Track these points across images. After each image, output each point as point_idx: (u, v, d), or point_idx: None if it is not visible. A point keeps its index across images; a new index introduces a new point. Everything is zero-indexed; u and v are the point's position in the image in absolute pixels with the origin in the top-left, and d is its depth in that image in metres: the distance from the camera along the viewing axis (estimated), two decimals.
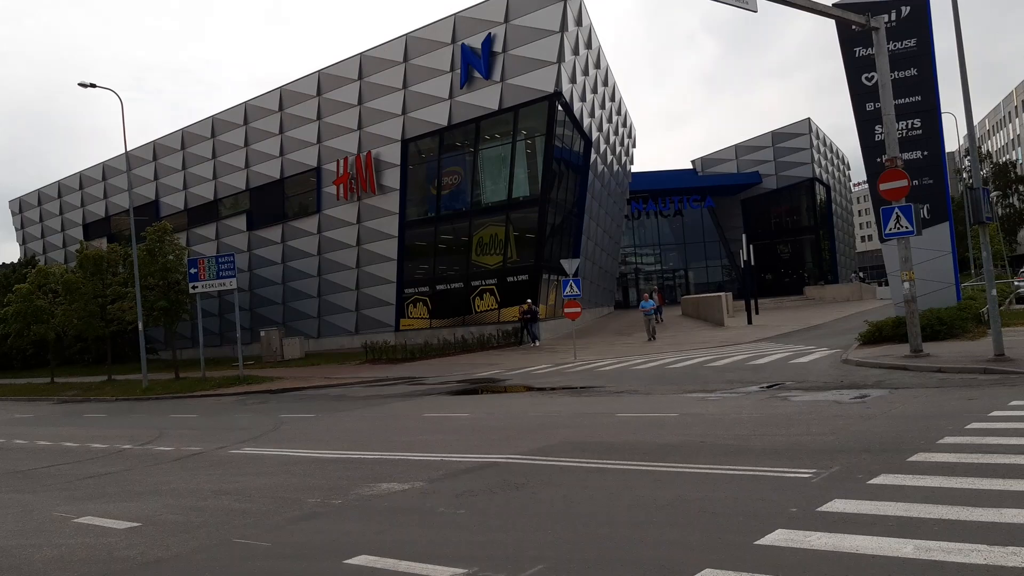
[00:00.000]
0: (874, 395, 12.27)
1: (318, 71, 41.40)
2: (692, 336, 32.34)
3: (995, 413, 9.52)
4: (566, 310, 26.05)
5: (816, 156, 64.70)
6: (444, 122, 36.91)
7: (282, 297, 45.30)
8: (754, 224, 67.97)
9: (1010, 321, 23.30)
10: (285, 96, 43.04)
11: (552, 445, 10.11)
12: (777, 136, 64.97)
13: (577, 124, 38.93)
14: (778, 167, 64.85)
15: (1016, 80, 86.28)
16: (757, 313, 46.19)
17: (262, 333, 40.94)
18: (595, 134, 42.23)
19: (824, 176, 67.01)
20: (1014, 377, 12.65)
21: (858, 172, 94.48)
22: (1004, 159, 79.64)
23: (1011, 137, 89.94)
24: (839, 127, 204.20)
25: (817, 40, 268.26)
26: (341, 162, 40.35)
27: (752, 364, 18.99)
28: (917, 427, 9.15)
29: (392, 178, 38.88)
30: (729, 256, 68.63)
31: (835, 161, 72.54)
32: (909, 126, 24.11)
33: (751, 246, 44.26)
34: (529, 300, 33.50)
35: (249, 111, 44.99)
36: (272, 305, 45.86)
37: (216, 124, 46.87)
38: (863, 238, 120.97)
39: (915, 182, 23.41)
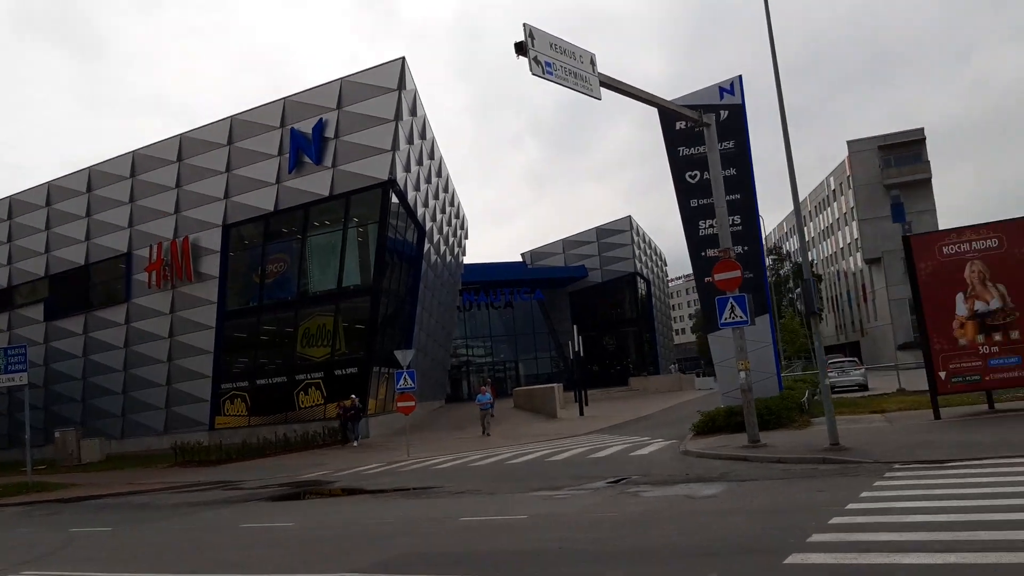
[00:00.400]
0: (724, 489, 11.94)
1: (132, 151, 38.83)
2: (527, 429, 31.81)
3: (852, 506, 9.30)
4: (399, 404, 24.82)
5: (637, 252, 67.70)
6: (270, 207, 35.34)
7: (82, 394, 40.98)
8: (581, 316, 69.58)
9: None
10: (94, 177, 39.96)
11: (393, 559, 8.92)
12: (601, 232, 67.59)
13: (411, 213, 38.44)
14: (603, 261, 67.25)
15: (808, 187, 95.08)
16: (587, 404, 46.72)
17: (56, 434, 36.61)
18: (428, 224, 41.92)
19: (644, 271, 70.08)
20: (852, 467, 12.74)
21: (673, 268, 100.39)
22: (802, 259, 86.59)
23: (808, 238, 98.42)
24: (652, 226, 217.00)
25: (632, 147, 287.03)
26: (155, 247, 37.58)
27: (593, 457, 18.50)
28: (780, 524, 8.73)
29: (211, 265, 36.54)
30: (558, 348, 69.66)
31: (653, 257, 76.25)
32: (731, 222, 25.27)
33: (580, 338, 44.98)
34: (353, 396, 31.79)
35: (52, 192, 41.39)
36: (70, 402, 41.35)
37: (13, 205, 42.72)
38: (677, 331, 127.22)
39: None
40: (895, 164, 71.88)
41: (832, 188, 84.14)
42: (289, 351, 35.94)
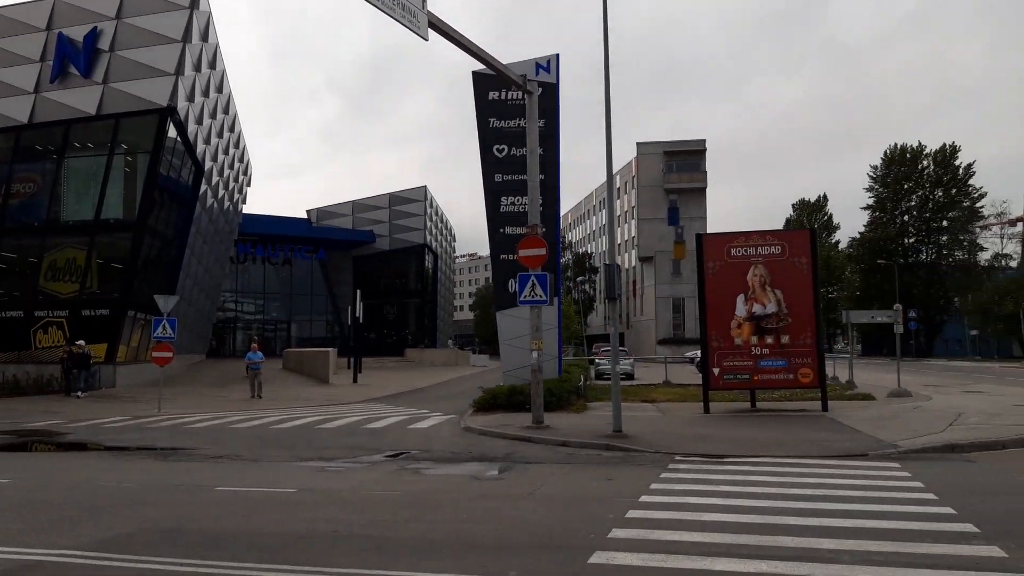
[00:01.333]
0: (511, 471, 11.31)
1: None
2: (297, 392, 30.06)
3: (645, 499, 8.93)
4: (154, 354, 22.30)
5: (429, 224, 66.89)
6: (24, 119, 30.88)
7: None
8: (363, 282, 67.70)
9: (598, 396, 24.70)
10: None
11: (129, 534, 7.39)
12: (394, 199, 66.06)
13: (190, 148, 35.11)
14: (392, 229, 65.76)
15: (595, 183, 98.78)
16: (360, 372, 45.37)
17: None
18: (208, 163, 38.56)
19: (434, 244, 69.46)
20: (636, 455, 12.59)
21: (462, 245, 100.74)
22: (582, 250, 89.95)
23: (587, 232, 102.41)
24: (443, 202, 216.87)
25: (432, 120, 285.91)
26: None
27: (369, 427, 17.40)
28: (576, 515, 8.15)
29: None
30: (335, 312, 67.45)
31: (444, 231, 75.83)
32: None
33: (362, 303, 43.47)
34: (81, 341, 28.34)
35: None
36: None
37: None
38: (458, 308, 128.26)
39: None
40: (676, 170, 76.16)
41: (617, 186, 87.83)
42: (30, 283, 31.65)
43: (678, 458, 12.15)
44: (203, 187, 38.44)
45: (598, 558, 6.39)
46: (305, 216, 67.24)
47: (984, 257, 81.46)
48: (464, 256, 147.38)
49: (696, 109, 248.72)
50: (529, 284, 15.68)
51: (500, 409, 19.71)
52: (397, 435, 15.96)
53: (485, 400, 20.24)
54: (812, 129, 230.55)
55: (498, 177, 23.96)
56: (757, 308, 18.54)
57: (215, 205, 42.89)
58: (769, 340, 18.49)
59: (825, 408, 18.42)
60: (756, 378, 18.61)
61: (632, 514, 8.07)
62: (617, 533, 7.23)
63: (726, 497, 8.96)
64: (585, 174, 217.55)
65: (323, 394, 29.59)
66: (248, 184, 52.76)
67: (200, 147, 36.70)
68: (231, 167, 45.00)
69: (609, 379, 37.65)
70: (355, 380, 35.84)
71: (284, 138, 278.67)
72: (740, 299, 18.60)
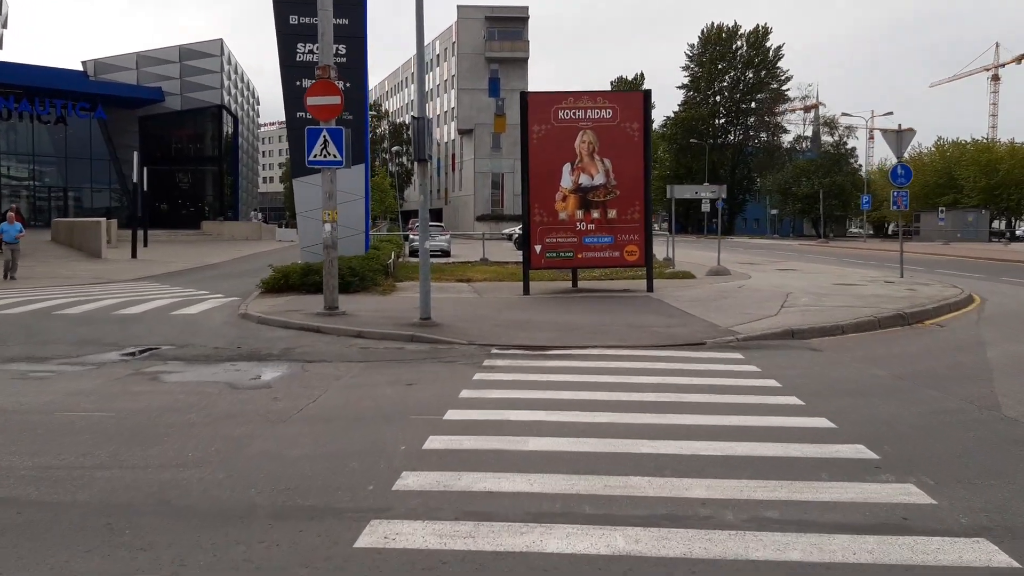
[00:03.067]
0: (283, 373, 8.87)
1: None
2: (59, 269, 25.67)
3: (452, 416, 6.80)
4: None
5: (227, 83, 60.29)
6: None
7: None
8: (152, 146, 60.66)
9: (410, 275, 22.54)
10: None
11: None
12: (185, 52, 58.62)
13: None
14: (184, 87, 58.62)
15: (410, 51, 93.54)
16: (146, 246, 40.57)
17: None
18: None
19: (233, 106, 63.04)
20: (443, 349, 10.47)
21: (269, 114, 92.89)
22: (399, 120, 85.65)
23: (405, 102, 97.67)
24: (249, 67, 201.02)
25: None
26: None
27: (124, 314, 14.23)
28: (356, 447, 5.90)
29: None
30: (120, 179, 60.29)
31: (245, 93, 69.05)
32: (336, 52, 21.62)
33: (145, 169, 38.26)
34: None
35: None
36: None
37: None
38: (265, 179, 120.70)
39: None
40: (498, 38, 72.82)
41: (436, 53, 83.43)
42: None
43: (495, 351, 10.16)
44: None
45: (371, 534, 4.16)
46: (81, 68, 58.50)
47: (787, 139, 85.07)
48: (274, 124, 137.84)
49: None
50: (320, 141, 12.81)
51: (292, 291, 17.04)
52: (152, 323, 12.99)
53: (275, 280, 17.43)
54: (637, 5, 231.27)
55: (293, 19, 20.45)
56: (584, 179, 16.65)
57: None
58: (595, 215, 16.73)
59: (651, 288, 17.09)
60: (580, 255, 16.92)
61: (432, 443, 5.91)
62: (408, 480, 5.04)
63: (555, 409, 6.98)
64: (404, 44, 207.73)
65: (91, 271, 25.44)
66: (3, 25, 44.46)
67: None
68: None
69: None
70: (134, 255, 31.50)
71: None
72: (566, 169, 16.61)
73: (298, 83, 20.37)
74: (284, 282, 17.31)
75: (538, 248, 16.83)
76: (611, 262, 17.29)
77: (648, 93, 17.94)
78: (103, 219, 32.19)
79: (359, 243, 21.62)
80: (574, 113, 16.52)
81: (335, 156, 12.84)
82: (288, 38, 20.38)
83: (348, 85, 21.78)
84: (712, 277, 21.50)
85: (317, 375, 8.77)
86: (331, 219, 13.26)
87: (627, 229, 16.80)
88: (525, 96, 17.05)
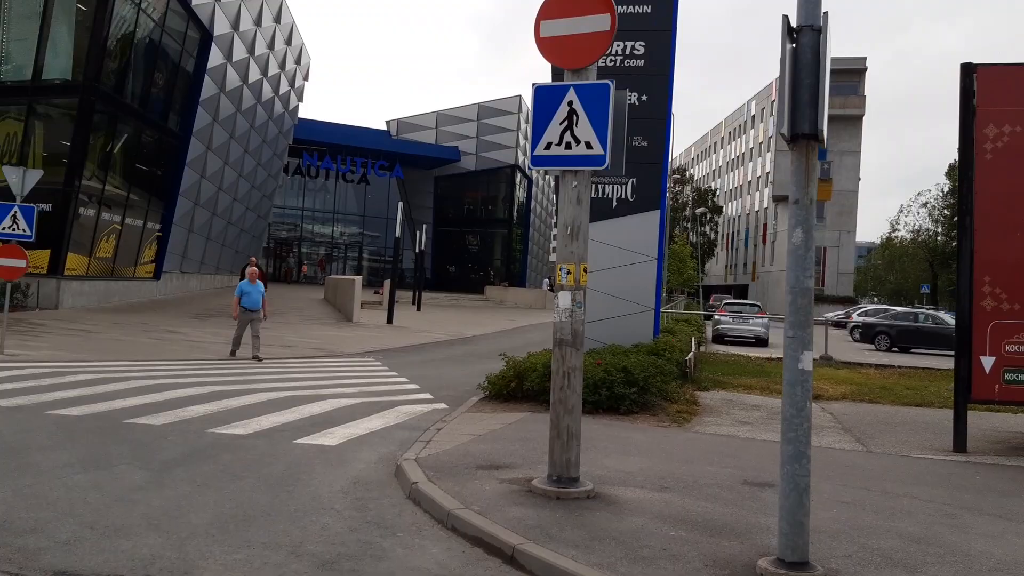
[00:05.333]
0: None
1: None
2: (287, 334, 21.37)
3: None
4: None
5: (523, 142, 56.95)
6: None
7: None
8: (445, 206, 59.07)
9: (719, 379, 15.00)
10: None
11: None
12: (483, 110, 56.24)
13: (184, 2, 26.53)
14: (479, 146, 56.15)
15: (725, 112, 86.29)
16: (419, 310, 36.81)
17: None
18: (221, 28, 29.86)
19: (527, 166, 59.56)
20: None
21: None
22: (704, 187, 78.33)
23: (713, 167, 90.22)
24: None
25: None
26: None
27: (220, 434, 8.18)
28: None
29: None
30: (413, 238, 59.05)
31: None
32: (627, 50, 15.11)
33: (435, 231, 35.13)
34: None
35: None
36: None
37: None
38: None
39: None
40: (831, 93, 63.08)
41: (752, 113, 75.32)
42: None
43: None
44: (217, 59, 29.89)
45: None
46: (385, 127, 58.53)
47: None
48: None
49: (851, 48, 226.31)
50: (563, 110, 5.95)
51: (527, 400, 10.31)
52: (222, 476, 6.71)
53: (503, 383, 10.81)
54: None
55: None
56: None
57: (247, 93, 34.44)
58: None
59: None
60: None
61: None
62: None
63: None
64: (712, 109, 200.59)
65: (322, 338, 20.89)
66: (305, 78, 44.21)
67: (207, 5, 28.08)
68: (270, 47, 36.39)
69: (735, 342, 26.99)
70: (390, 320, 26.98)
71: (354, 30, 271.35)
72: None
73: None
74: (516, 386, 10.61)
75: (989, 362, 8.57)
76: None
77: None
78: (356, 278, 28.06)
79: (644, 325, 14.64)
80: None
81: (589, 145, 5.87)
82: None
83: (644, 98, 15.25)
84: None
85: None
86: (572, 282, 6.19)
87: None
88: (969, 67, 9.02)
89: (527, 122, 58.04)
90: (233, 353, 15.43)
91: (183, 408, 9.30)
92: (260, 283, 15.78)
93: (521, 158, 57.07)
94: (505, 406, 10.31)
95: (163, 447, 7.35)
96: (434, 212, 57.51)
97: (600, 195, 14.93)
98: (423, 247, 41.05)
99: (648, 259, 14.78)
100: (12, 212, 13.86)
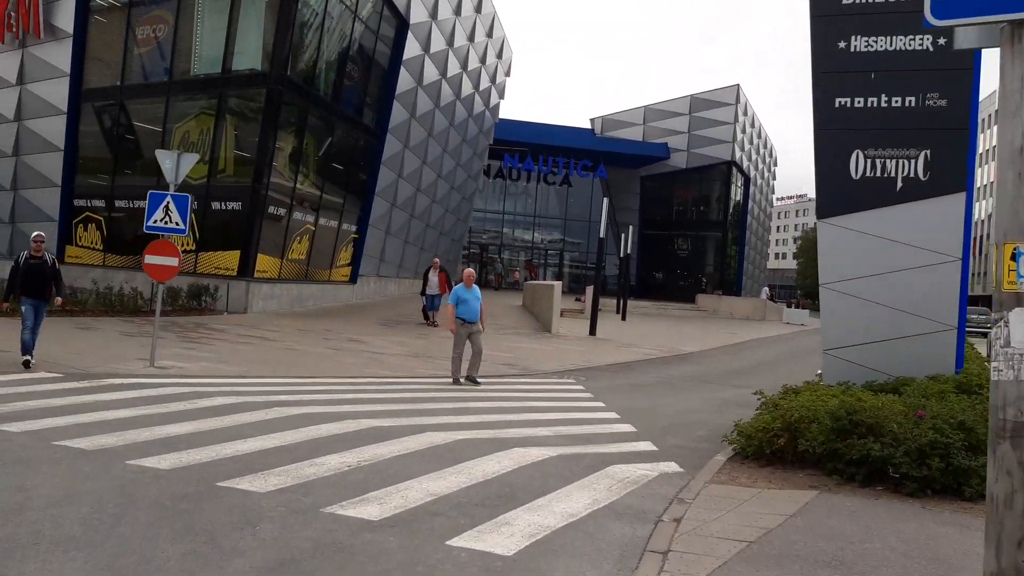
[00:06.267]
0: None
1: None
2: (488, 348, 18.83)
3: None
4: (147, 259, 12.08)
5: (740, 136, 52.02)
6: None
7: None
8: (652, 208, 55.24)
9: None
10: None
11: None
12: (696, 102, 51.90)
13: None
14: (691, 141, 51.85)
15: None
16: (624, 319, 33.61)
17: None
18: (418, 15, 28.08)
19: (745, 164, 54.52)
20: None
21: (782, 186, 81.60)
22: None
23: None
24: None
25: None
26: None
27: (354, 523, 5.35)
28: None
29: (66, 16, 24.08)
30: (617, 243, 55.83)
31: (761, 151, 60.20)
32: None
33: (641, 234, 31.93)
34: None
35: None
36: None
37: None
38: (777, 255, 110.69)
39: (913, 101, 11.04)
40: None
41: None
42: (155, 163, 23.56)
43: None
44: (414, 50, 28.18)
45: None
46: (588, 126, 55.68)
47: None
48: (790, 198, 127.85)
49: None
50: None
51: (802, 466, 6.77)
52: None
53: (765, 436, 7.28)
54: None
55: None
56: None
57: (444, 86, 32.70)
58: None
59: None
60: None
61: None
62: None
63: None
64: None
65: (523, 352, 18.21)
66: (507, 73, 42.21)
67: None
68: (470, 39, 34.49)
69: None
70: (592, 331, 23.89)
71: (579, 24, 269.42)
72: None
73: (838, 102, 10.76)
74: (787, 443, 7.09)
75: None
76: None
77: None
78: (556, 283, 25.18)
79: (942, 350, 10.74)
80: None
81: None
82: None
83: (942, 42, 11.21)
84: None
85: None
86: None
87: None
88: None
89: (745, 114, 53.14)
90: (456, 380, 12.60)
91: (310, 460, 6.62)
92: (477, 288, 13.13)
93: (739, 154, 52.20)
94: (771, 475, 6.84)
95: (242, 542, 4.60)
96: (640, 214, 53.89)
97: (878, 172, 11.06)
98: (628, 251, 37.73)
99: (949, 259, 10.71)
100: (164, 202, 12.09)
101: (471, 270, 13.55)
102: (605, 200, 29.40)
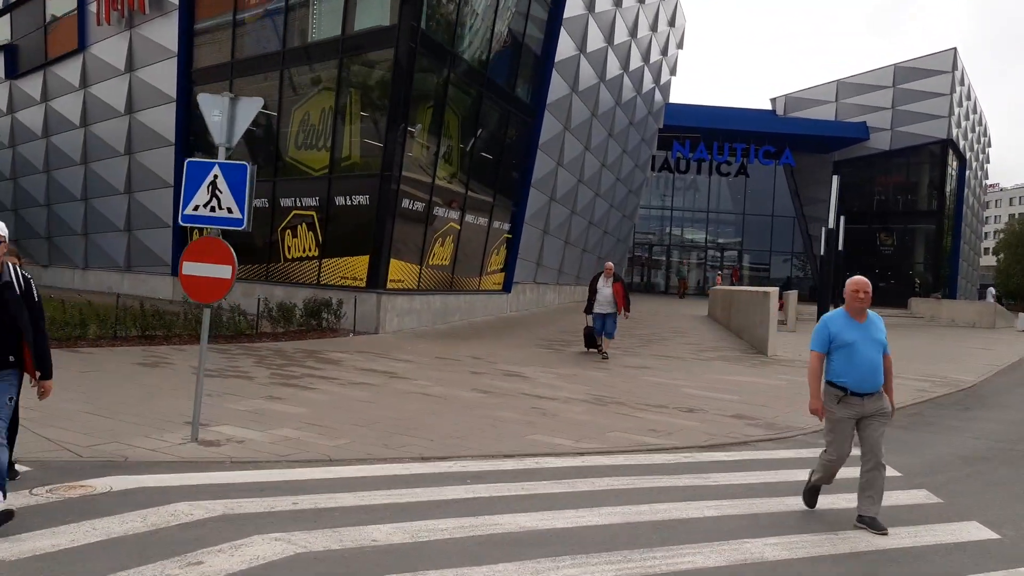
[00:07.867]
0: None
1: None
2: (681, 381, 13.54)
3: None
4: (184, 270, 7.59)
5: (957, 111, 43.83)
6: None
7: (46, 196, 27.78)
8: (849, 198, 47.61)
9: None
10: None
11: None
12: (901, 72, 44.13)
13: None
14: (895, 119, 44.10)
15: None
16: None
17: None
18: None
19: (962, 144, 46.11)
20: None
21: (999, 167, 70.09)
22: None
23: None
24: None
25: None
26: None
27: None
28: None
29: None
30: (806, 239, 48.73)
31: (977, 129, 51.24)
32: None
33: (843, 228, 25.74)
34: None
35: None
36: (35, 208, 28.44)
37: None
38: (986, 250, 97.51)
39: None
40: None
41: None
42: (271, 152, 19.76)
43: None
44: (573, 7, 23.19)
45: None
46: (769, 106, 48.88)
47: None
48: (993, 186, 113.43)
49: None
50: None
51: None
52: None
53: None
54: None
55: None
56: None
57: (610, 56, 27.53)
58: None
59: None
60: None
61: None
62: None
63: None
64: None
65: (747, 391, 12.80)
66: (679, 45, 36.51)
67: None
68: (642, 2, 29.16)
69: None
70: None
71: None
72: None
73: None
74: None
75: None
76: None
77: None
78: (772, 290, 19.30)
79: None
80: None
81: None
82: None
83: None
84: None
85: None
86: None
87: None
88: None
89: (962, 84, 44.83)
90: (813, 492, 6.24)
91: None
92: (878, 317, 6.38)
93: (955, 131, 43.99)
94: None
95: None
96: (838, 204, 46.60)
97: None
98: (832, 247, 31.13)
99: None
100: (211, 175, 7.57)
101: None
102: (835, 178, 23.31)
